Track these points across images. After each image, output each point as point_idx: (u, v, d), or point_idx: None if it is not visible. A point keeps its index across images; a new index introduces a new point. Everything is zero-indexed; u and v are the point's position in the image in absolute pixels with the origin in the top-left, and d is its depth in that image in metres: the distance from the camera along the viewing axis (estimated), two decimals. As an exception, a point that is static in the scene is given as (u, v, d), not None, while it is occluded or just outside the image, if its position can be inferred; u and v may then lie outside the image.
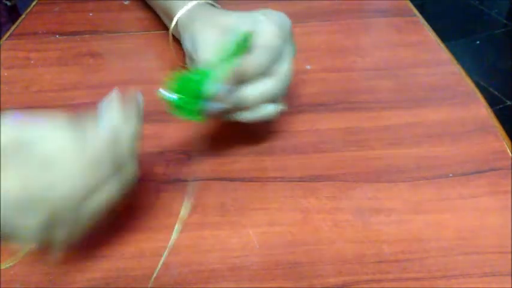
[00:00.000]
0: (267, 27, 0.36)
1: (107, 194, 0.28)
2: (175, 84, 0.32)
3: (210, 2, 0.44)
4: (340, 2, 0.61)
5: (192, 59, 0.40)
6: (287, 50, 0.37)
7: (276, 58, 0.36)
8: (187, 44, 0.40)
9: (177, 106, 0.32)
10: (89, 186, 0.27)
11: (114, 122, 0.28)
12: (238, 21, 0.38)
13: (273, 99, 0.37)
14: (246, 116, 0.37)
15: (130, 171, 0.30)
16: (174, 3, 0.46)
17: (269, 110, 0.37)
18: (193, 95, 0.32)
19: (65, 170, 0.26)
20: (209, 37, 0.38)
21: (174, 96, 0.32)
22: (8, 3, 0.84)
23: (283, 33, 0.37)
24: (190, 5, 0.43)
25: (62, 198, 0.26)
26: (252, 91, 0.35)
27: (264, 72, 0.35)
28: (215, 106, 0.34)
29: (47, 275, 0.31)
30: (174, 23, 0.44)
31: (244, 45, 0.34)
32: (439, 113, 0.43)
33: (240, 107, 0.36)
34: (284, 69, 0.36)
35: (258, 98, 0.36)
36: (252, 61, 0.35)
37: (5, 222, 0.25)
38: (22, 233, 0.26)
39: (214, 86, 0.32)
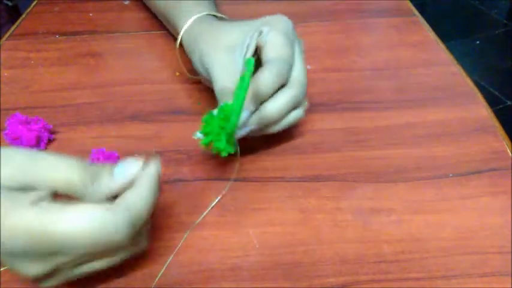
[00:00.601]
0: (274, 39, 0.35)
1: (114, 261, 0.28)
2: (204, 125, 0.33)
3: (211, 13, 0.43)
4: (340, 2, 0.61)
5: (206, 79, 0.40)
6: (296, 53, 0.37)
7: (289, 67, 0.36)
8: (197, 65, 0.40)
9: (210, 144, 0.33)
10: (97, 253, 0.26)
11: (133, 201, 0.26)
12: (242, 37, 0.37)
13: (295, 105, 0.37)
14: (276, 129, 0.37)
15: (142, 245, 0.29)
16: (175, 13, 0.45)
17: (295, 115, 0.37)
18: (223, 131, 0.33)
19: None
20: (219, 62, 0.37)
21: (202, 137, 0.34)
22: (9, 4, 0.84)
23: (290, 40, 0.36)
24: (189, 21, 0.42)
25: (67, 260, 0.26)
26: (274, 105, 0.35)
27: (281, 84, 0.35)
28: (244, 132, 0.35)
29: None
30: (178, 40, 0.43)
31: (250, 70, 0.33)
32: (439, 113, 0.43)
33: (268, 124, 0.36)
34: (299, 73, 0.36)
35: (282, 110, 0.36)
36: (268, 78, 0.34)
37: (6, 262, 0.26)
38: (22, 273, 0.26)
39: (240, 116, 0.33)
